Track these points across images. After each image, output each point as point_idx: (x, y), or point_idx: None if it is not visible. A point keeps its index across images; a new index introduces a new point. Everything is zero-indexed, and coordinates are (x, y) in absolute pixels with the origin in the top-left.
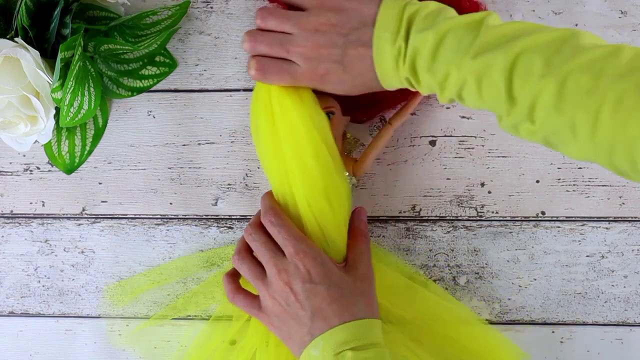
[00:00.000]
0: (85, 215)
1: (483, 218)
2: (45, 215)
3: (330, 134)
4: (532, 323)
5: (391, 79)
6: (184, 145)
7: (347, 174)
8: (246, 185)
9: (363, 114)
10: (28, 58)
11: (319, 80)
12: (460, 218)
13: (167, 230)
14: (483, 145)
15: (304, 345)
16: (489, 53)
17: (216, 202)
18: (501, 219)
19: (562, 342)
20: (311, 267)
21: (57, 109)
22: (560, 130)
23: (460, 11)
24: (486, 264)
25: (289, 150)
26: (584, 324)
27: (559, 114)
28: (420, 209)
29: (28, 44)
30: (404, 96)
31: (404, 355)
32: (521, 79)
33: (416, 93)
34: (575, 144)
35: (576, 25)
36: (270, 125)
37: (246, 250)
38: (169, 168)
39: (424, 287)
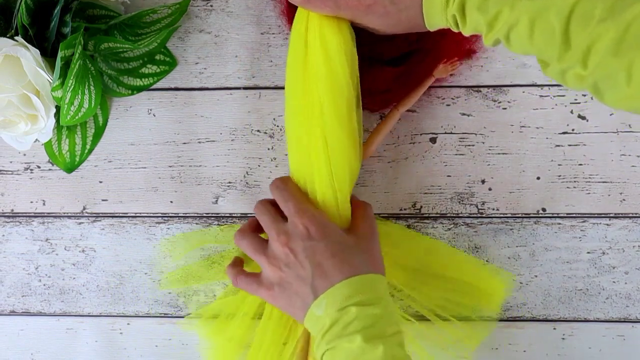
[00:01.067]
0: (86, 214)
1: (484, 215)
2: (45, 214)
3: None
4: (534, 320)
5: (436, 17)
6: (185, 143)
7: None
8: (247, 183)
9: (375, 103)
10: (28, 57)
11: (363, 10)
12: (461, 215)
13: (168, 228)
14: (483, 142)
15: (306, 307)
16: None
17: (217, 200)
18: (502, 215)
19: (563, 338)
20: (310, 224)
21: (58, 108)
22: (614, 74)
23: None
24: (487, 260)
25: (320, 83)
26: (586, 320)
27: (617, 58)
28: (421, 206)
29: (28, 42)
30: (415, 86)
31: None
32: (579, 22)
33: (427, 79)
34: (628, 88)
35: None
36: (302, 59)
37: (247, 227)
38: (170, 166)
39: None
